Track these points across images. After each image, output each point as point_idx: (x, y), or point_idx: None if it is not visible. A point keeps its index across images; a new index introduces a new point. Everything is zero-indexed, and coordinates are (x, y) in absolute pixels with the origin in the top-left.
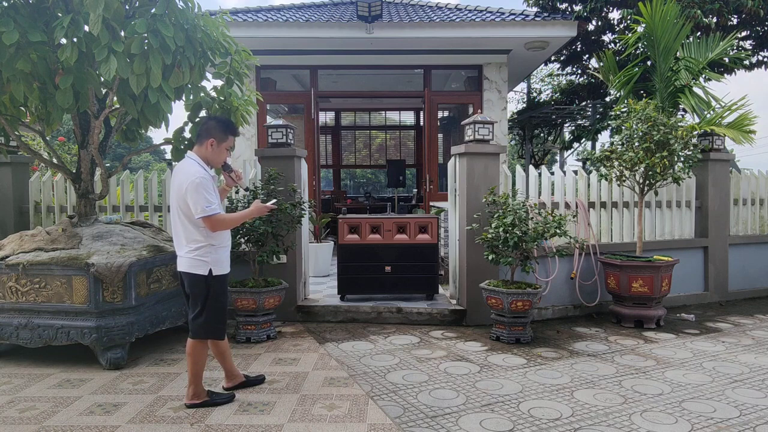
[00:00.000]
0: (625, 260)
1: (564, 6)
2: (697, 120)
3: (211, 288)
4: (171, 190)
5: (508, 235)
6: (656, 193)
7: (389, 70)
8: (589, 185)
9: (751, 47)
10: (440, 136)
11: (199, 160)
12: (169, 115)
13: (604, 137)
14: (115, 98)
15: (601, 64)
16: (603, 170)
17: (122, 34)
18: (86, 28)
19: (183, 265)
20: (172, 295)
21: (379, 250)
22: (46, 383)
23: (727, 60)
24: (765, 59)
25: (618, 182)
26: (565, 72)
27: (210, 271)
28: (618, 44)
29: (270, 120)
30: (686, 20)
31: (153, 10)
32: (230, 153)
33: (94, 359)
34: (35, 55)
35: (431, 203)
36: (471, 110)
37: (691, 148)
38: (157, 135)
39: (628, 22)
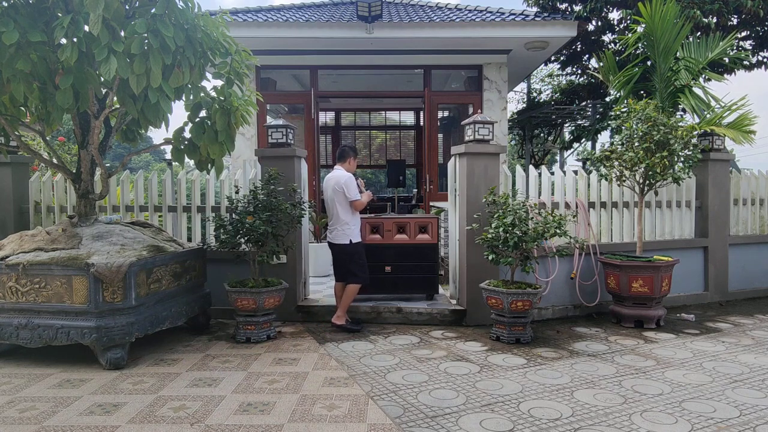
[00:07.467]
0: (625, 260)
1: (564, 6)
2: (697, 120)
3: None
4: (328, 188)
5: (508, 235)
6: (656, 193)
7: (389, 70)
8: (589, 185)
9: (751, 47)
10: (440, 136)
11: (343, 170)
12: (169, 115)
13: (604, 137)
14: (115, 98)
15: (601, 64)
16: (603, 170)
17: (122, 34)
18: (86, 28)
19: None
20: (172, 295)
21: (379, 250)
22: (46, 383)
23: (727, 60)
24: (765, 59)
25: (618, 182)
26: (565, 72)
27: (350, 240)
28: (618, 44)
29: (270, 120)
30: (686, 20)
31: (153, 10)
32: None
33: (94, 359)
34: (35, 55)
35: (431, 203)
36: (471, 110)
37: (691, 148)
38: (157, 135)
39: (628, 22)
